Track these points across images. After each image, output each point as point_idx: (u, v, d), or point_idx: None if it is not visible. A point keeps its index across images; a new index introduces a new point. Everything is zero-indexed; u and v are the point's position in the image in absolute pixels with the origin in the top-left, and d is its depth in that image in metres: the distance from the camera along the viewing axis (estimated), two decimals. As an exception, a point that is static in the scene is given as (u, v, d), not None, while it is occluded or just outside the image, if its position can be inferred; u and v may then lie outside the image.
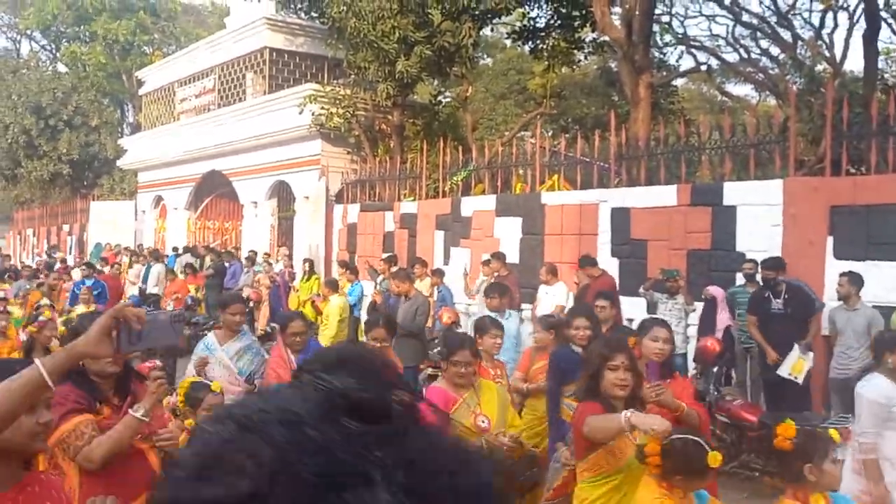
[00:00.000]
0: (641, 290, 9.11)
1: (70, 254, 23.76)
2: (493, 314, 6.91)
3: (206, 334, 8.45)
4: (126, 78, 28.92)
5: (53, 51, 34.14)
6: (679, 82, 23.40)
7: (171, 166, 20.98)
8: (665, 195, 9.77)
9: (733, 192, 9.16)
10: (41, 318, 5.61)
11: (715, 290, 8.72)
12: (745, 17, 19.74)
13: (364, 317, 12.08)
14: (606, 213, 10.33)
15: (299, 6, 16.35)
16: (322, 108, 15.08)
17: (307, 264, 13.67)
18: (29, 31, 33.83)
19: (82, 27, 29.76)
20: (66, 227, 26.27)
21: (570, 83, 21.68)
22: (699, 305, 8.73)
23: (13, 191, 29.40)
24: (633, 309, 9.43)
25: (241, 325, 5.33)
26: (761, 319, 7.91)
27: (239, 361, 5.09)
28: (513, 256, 11.19)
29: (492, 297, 7.48)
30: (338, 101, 15.06)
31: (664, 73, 19.15)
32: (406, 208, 13.61)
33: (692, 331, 8.67)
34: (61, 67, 31.82)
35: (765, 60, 21.37)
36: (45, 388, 2.07)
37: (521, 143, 14.31)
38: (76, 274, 16.35)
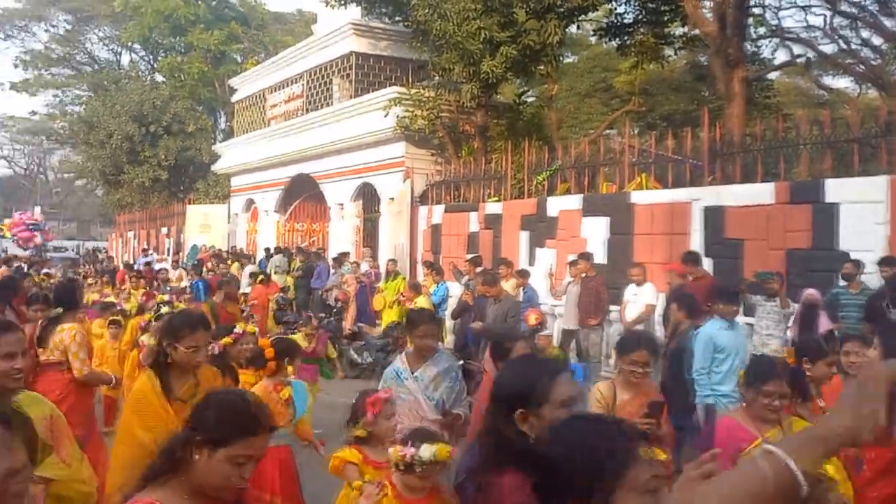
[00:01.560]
0: None
1: (168, 255, 24.76)
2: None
3: (296, 332, 8.56)
4: (219, 86, 29.98)
5: (151, 62, 35.73)
6: (774, 76, 22.49)
7: (261, 170, 21.60)
8: (762, 193, 9.40)
9: (835, 189, 8.74)
10: (236, 329, 5.18)
11: (814, 294, 8.28)
12: (844, 7, 18.79)
13: (449, 317, 12.12)
14: (699, 211, 10.01)
15: (384, 10, 16.55)
16: (406, 110, 15.20)
17: (392, 265, 13.80)
18: (129, 44, 35.49)
19: (178, 38, 31.01)
20: (164, 230, 27.42)
21: (658, 79, 21.15)
22: (794, 307, 8.33)
23: (116, 195, 30.90)
24: (727, 311, 9.10)
25: (434, 347, 4.55)
26: (879, 327, 7.43)
27: (435, 391, 4.39)
28: (600, 257, 10.98)
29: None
30: (422, 104, 15.16)
31: (758, 67, 18.44)
32: (490, 209, 13.56)
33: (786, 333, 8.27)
34: (159, 77, 33.27)
35: (865, 51, 20.29)
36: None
37: (607, 142, 14.05)
38: (173, 273, 17.14)
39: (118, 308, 8.61)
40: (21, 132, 56.97)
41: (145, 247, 25.84)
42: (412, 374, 4.39)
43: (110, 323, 7.95)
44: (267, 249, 19.20)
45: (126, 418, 3.46)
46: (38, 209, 49.16)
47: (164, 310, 6.77)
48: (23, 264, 19.15)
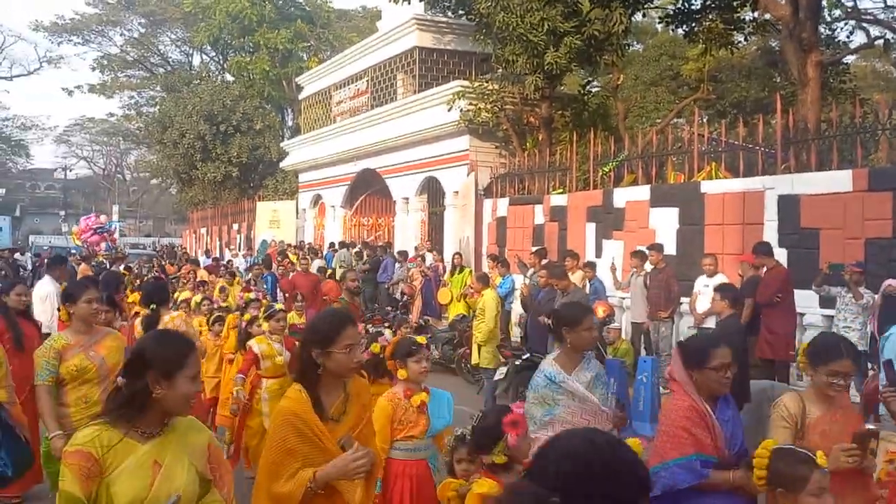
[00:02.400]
0: (813, 287, 8.51)
1: (240, 251, 25.42)
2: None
3: (367, 327, 8.61)
4: (286, 84, 30.57)
5: (221, 62, 36.67)
6: (850, 59, 21.65)
7: (328, 166, 21.97)
8: (839, 180, 9.10)
9: (918, 175, 8.38)
10: None
11: (894, 285, 7.98)
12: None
13: (515, 309, 12.13)
14: (773, 200, 9.74)
15: (447, 4, 16.58)
16: (470, 103, 15.22)
17: (458, 258, 13.87)
18: (200, 45, 36.50)
19: (246, 38, 31.73)
20: (235, 226, 28.16)
21: (727, 66, 20.58)
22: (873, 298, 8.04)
23: (189, 193, 31.87)
24: (804, 303, 8.88)
25: (593, 346, 4.22)
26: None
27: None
28: (669, 248, 10.81)
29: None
30: (485, 97, 15.15)
31: (833, 51, 17.77)
32: (556, 201, 13.48)
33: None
34: (228, 77, 34.12)
35: (950, 31, 19.32)
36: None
37: (675, 131, 13.77)
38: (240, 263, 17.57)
39: (215, 306, 8.33)
40: (99, 133, 59.32)
41: (233, 247, 26.29)
42: (569, 375, 3.86)
43: (215, 321, 7.56)
44: (332, 244, 19.53)
45: (275, 446, 2.81)
46: (115, 208, 51.18)
47: (253, 313, 6.48)
48: (104, 261, 19.96)
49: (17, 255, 23.69)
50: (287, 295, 12.10)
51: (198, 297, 9.10)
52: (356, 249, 17.46)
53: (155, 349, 2.47)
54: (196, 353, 2.58)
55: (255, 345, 5.98)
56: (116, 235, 29.91)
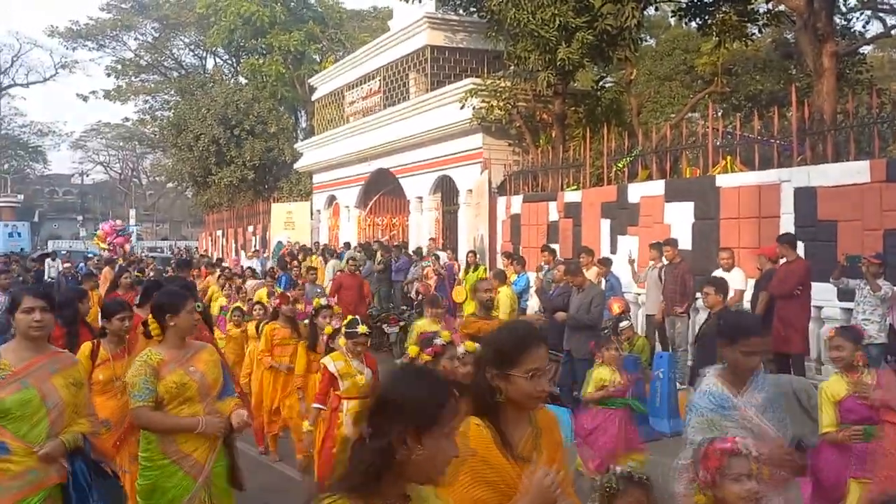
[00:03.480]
0: (832, 280, 8.42)
1: (253, 252, 25.49)
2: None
3: (384, 326, 8.63)
4: (299, 86, 30.68)
5: (234, 65, 36.86)
6: (866, 50, 21.43)
7: (341, 167, 22.01)
8: (856, 172, 8.99)
9: (938, 164, 8.27)
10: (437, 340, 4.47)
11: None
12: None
13: (531, 306, 12.09)
14: (789, 193, 9.65)
15: (458, 2, 16.55)
16: (483, 101, 15.19)
17: (472, 256, 13.85)
18: (213, 48, 36.73)
19: (259, 41, 31.88)
20: (250, 228, 28.29)
21: (742, 59, 20.44)
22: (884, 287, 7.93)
23: (204, 196, 32.05)
24: (823, 296, 8.78)
25: (759, 364, 3.45)
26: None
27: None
28: (685, 243, 10.73)
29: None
30: (498, 94, 15.12)
31: (849, 41, 17.59)
32: (570, 197, 13.43)
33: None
34: (241, 80, 34.29)
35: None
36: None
37: (689, 125, 13.67)
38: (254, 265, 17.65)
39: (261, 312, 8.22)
40: (115, 138, 59.90)
41: (257, 248, 26.19)
42: (736, 397, 3.31)
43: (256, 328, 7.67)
44: (347, 244, 19.57)
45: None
46: (132, 212, 51.63)
47: (335, 324, 5.96)
48: (123, 264, 20.12)
49: (48, 261, 23.71)
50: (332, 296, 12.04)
51: (241, 304, 9.22)
52: (374, 247, 17.48)
53: (409, 393, 1.89)
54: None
55: (329, 363, 5.36)
56: (133, 239, 30.26)
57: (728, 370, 3.38)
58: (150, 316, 3.97)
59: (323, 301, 6.79)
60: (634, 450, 5.58)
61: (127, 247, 25.15)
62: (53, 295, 3.57)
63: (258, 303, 8.67)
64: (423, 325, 7.06)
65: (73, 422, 3.55)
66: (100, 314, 5.16)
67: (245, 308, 9.04)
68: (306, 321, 6.83)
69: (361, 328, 5.44)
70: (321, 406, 5.32)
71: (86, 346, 4.95)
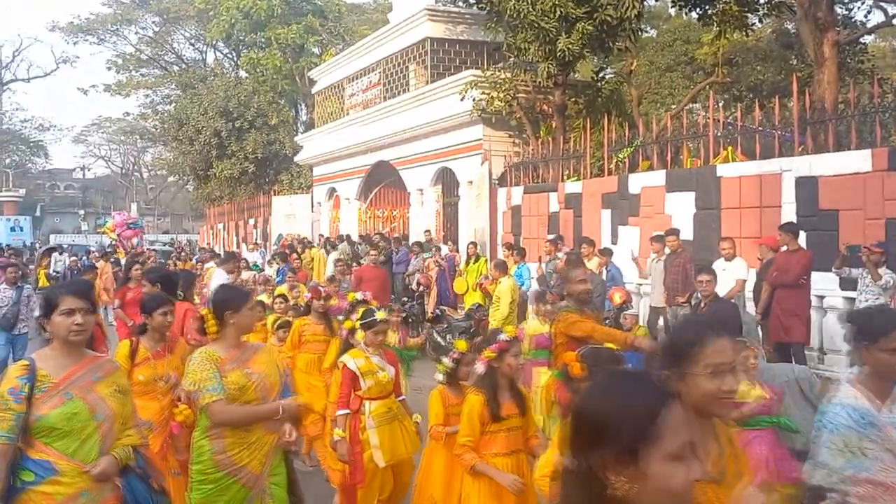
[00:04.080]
0: (834, 269, 8.41)
1: (258, 244, 25.48)
2: None
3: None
4: (299, 78, 30.61)
5: (235, 58, 36.79)
6: (867, 39, 21.35)
7: (342, 159, 21.99)
8: (858, 161, 8.97)
9: (939, 153, 8.24)
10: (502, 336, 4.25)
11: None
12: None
13: (531, 296, 12.10)
14: (790, 183, 9.63)
15: (458, -7, 16.50)
16: (483, 93, 15.16)
17: (473, 248, 13.84)
18: (213, 42, 36.65)
19: (258, 34, 31.81)
20: (251, 221, 28.30)
21: (743, 49, 20.36)
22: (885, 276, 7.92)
23: (205, 189, 32.04)
24: (825, 285, 8.78)
25: None
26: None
27: None
28: (686, 233, 10.72)
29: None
30: (498, 85, 15.08)
31: (850, 31, 17.51)
32: (570, 188, 13.41)
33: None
34: (242, 73, 34.23)
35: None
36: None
37: (690, 116, 13.63)
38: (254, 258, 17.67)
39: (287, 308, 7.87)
40: (116, 132, 59.86)
41: (258, 240, 26.12)
42: (879, 411, 2.83)
43: (279, 327, 7.07)
44: (340, 237, 19.52)
45: None
46: (133, 206, 51.63)
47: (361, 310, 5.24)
48: (119, 258, 20.11)
49: (55, 255, 23.35)
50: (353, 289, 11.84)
51: (265, 298, 8.52)
52: (375, 240, 17.47)
53: (613, 406, 1.48)
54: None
55: (349, 360, 4.89)
56: (144, 235, 30.44)
57: (869, 377, 2.88)
58: (209, 312, 3.71)
59: (359, 296, 6.19)
60: (790, 480, 4.11)
61: (134, 240, 25.23)
62: (92, 294, 3.19)
63: (280, 295, 8.29)
64: (534, 327, 6.73)
65: (122, 434, 3.20)
66: (140, 309, 4.88)
67: (268, 301, 8.49)
68: (341, 317, 6.17)
69: (380, 314, 4.99)
70: (345, 410, 4.78)
71: (124, 345, 4.68)
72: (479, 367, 3.98)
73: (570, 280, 5.42)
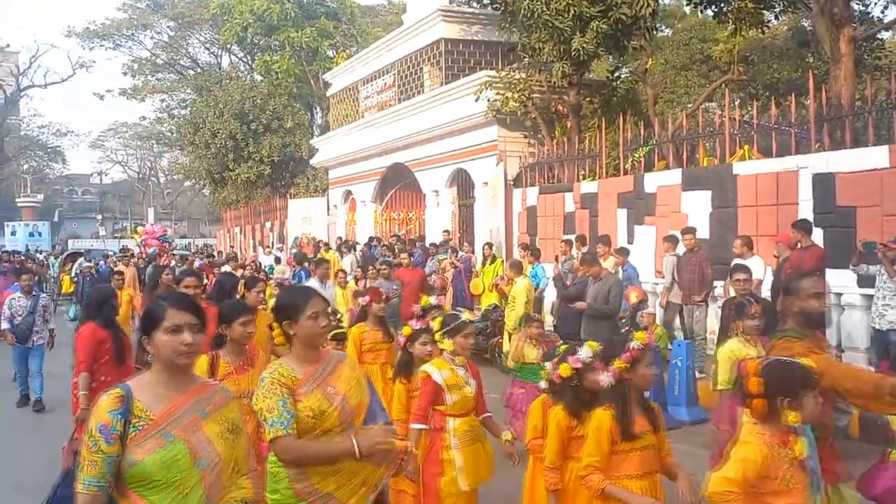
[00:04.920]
0: (851, 266, 8.37)
1: (273, 248, 25.64)
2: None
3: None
4: (314, 81, 30.76)
5: (249, 62, 37.02)
6: (884, 35, 21.16)
7: (357, 162, 22.09)
8: (875, 157, 8.92)
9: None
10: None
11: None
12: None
13: (548, 297, 12.11)
14: (807, 180, 9.59)
15: (472, -6, 16.54)
16: (497, 93, 15.18)
17: (488, 249, 13.87)
18: (228, 46, 36.88)
19: (272, 37, 31.99)
20: (268, 225, 28.45)
21: (759, 47, 20.27)
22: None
23: (222, 193, 32.26)
24: (842, 283, 8.73)
25: None
26: None
27: None
28: (702, 231, 10.69)
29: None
30: (513, 86, 15.10)
31: (867, 27, 17.39)
32: (586, 188, 13.41)
33: None
34: (257, 77, 34.44)
35: None
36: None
37: (706, 115, 13.60)
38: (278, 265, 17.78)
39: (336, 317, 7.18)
40: (132, 137, 60.43)
41: (278, 245, 26.25)
42: None
43: (333, 338, 5.89)
44: (372, 238, 19.58)
45: None
46: (150, 210, 52.03)
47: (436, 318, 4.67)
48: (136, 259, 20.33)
49: (81, 261, 22.46)
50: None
51: None
52: (392, 242, 17.53)
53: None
54: None
55: (434, 371, 4.30)
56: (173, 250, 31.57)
57: None
58: (275, 320, 3.15)
59: (432, 300, 5.61)
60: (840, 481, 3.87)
61: (149, 251, 25.95)
62: (201, 309, 2.68)
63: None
64: (734, 349, 5.25)
65: (233, 484, 2.61)
66: (217, 320, 4.32)
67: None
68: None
69: (466, 315, 4.49)
70: (423, 426, 4.29)
71: (203, 360, 4.15)
72: (606, 379, 3.51)
73: (797, 292, 3.88)
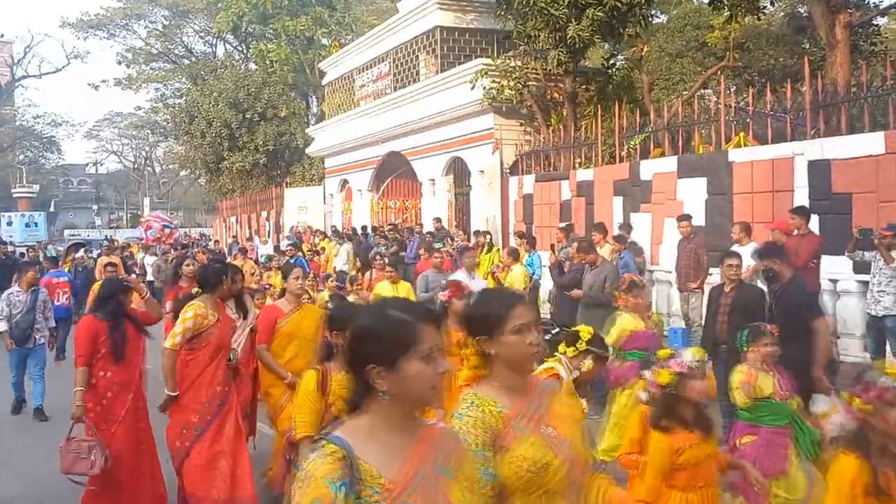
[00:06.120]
0: (847, 253, 8.40)
1: (269, 237, 25.68)
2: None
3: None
4: (309, 70, 30.64)
5: (244, 51, 36.86)
6: (881, 21, 21.12)
7: (353, 150, 22.05)
8: (871, 143, 8.92)
9: (954, 134, 8.19)
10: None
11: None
12: (962, -60, 17.37)
13: (544, 286, 12.12)
14: (803, 166, 9.60)
15: (467, -19, 16.46)
16: (493, 81, 15.15)
17: (484, 237, 13.87)
18: (222, 34, 36.71)
19: (267, 26, 31.85)
20: (263, 214, 28.43)
21: (754, 33, 20.22)
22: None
23: (217, 182, 32.20)
24: (838, 269, 8.76)
25: None
26: None
27: None
28: (698, 219, 10.71)
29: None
30: (509, 74, 15.06)
31: (863, 12, 17.35)
32: (582, 176, 13.41)
33: None
34: (252, 66, 34.30)
35: None
36: None
37: (702, 101, 13.59)
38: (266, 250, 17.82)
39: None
40: (128, 127, 60.19)
41: (272, 233, 26.26)
42: None
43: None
44: (364, 228, 19.59)
45: None
46: (146, 200, 51.94)
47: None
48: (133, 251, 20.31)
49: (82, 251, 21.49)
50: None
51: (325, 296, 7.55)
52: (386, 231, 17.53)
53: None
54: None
55: (561, 370, 3.53)
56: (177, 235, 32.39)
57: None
58: (469, 337, 2.31)
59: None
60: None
61: (149, 233, 26.24)
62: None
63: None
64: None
65: None
66: (324, 326, 3.88)
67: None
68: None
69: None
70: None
71: (310, 377, 3.69)
72: (849, 422, 2.94)
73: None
